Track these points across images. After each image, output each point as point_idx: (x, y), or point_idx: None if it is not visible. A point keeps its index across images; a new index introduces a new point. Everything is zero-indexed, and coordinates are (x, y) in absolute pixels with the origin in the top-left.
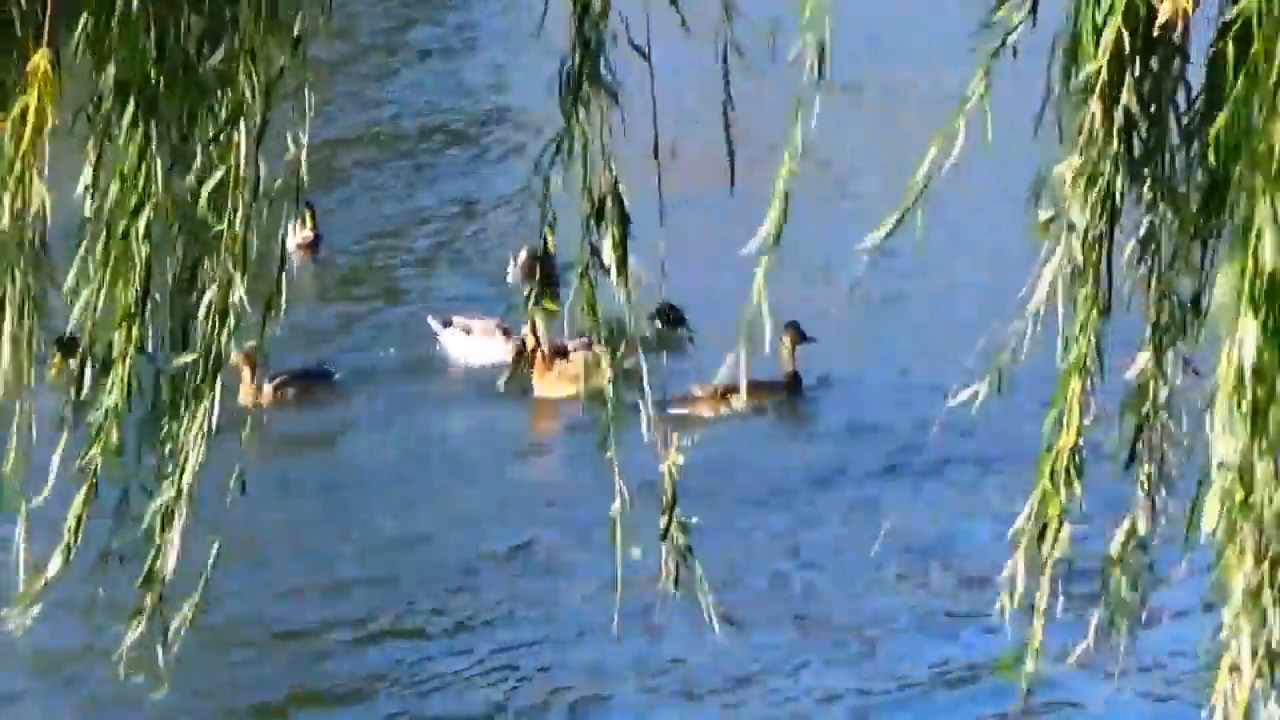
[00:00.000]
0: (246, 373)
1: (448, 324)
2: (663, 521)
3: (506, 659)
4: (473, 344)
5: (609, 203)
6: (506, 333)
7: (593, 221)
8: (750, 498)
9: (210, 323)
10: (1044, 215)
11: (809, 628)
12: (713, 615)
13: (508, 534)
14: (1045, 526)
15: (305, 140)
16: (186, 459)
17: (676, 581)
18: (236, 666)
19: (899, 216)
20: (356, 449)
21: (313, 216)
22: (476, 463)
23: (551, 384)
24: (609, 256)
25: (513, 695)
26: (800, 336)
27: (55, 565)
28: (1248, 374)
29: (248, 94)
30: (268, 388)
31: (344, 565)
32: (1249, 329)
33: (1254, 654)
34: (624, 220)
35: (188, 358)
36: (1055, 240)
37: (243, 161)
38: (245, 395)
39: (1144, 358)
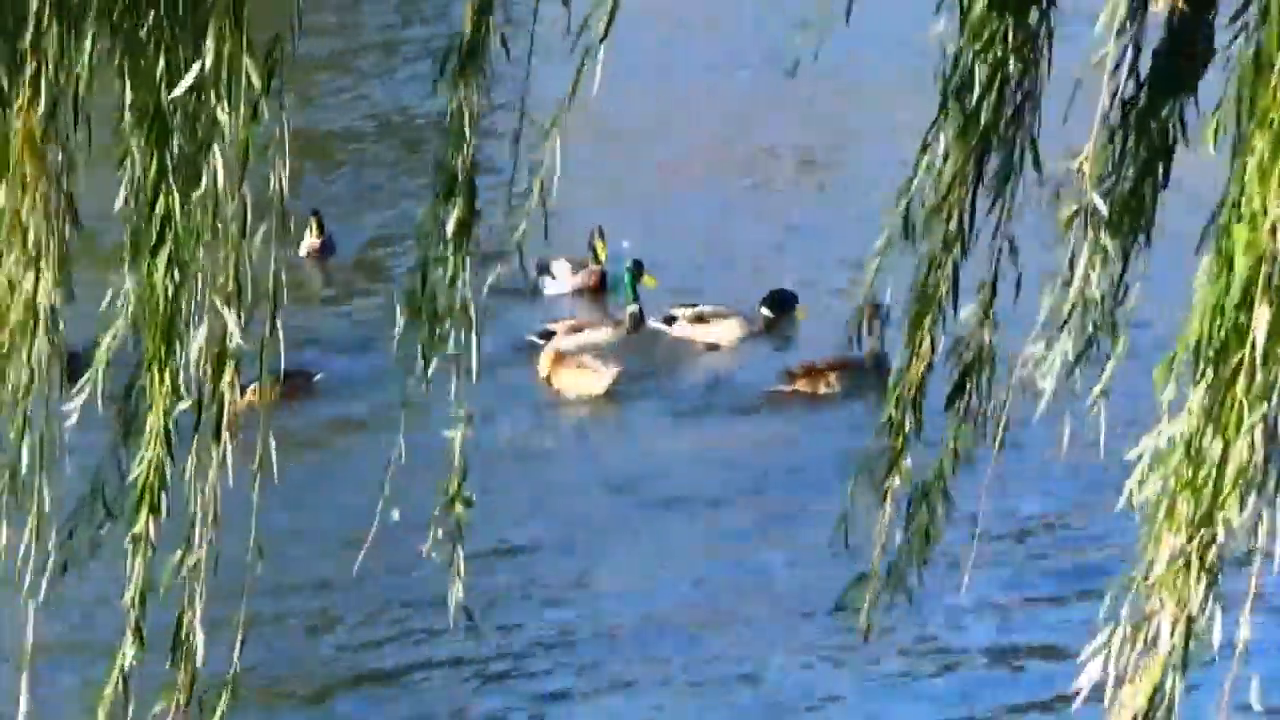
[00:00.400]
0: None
1: (546, 337)
2: (449, 490)
3: (481, 664)
4: (585, 336)
5: (460, 180)
6: (617, 323)
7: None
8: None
9: (206, 368)
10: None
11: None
12: (454, 606)
13: (485, 536)
14: (890, 451)
15: (286, 172)
16: (204, 520)
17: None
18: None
19: (886, 238)
20: (334, 450)
21: (319, 223)
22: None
23: (567, 382)
24: (450, 233)
25: (488, 697)
26: (882, 319)
27: (131, 649)
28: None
29: (223, 121)
30: (247, 391)
31: (317, 566)
32: (1262, 317)
33: (1173, 625)
34: (470, 199)
35: (184, 404)
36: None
37: (222, 194)
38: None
39: (972, 309)
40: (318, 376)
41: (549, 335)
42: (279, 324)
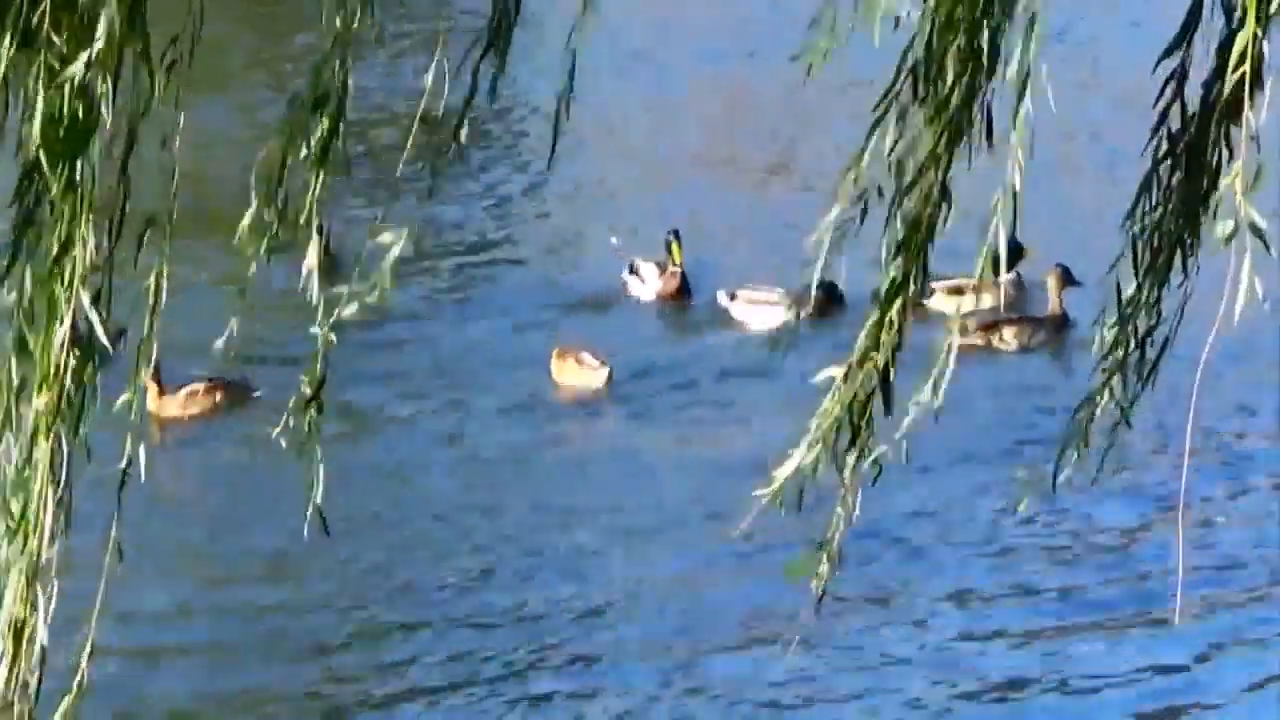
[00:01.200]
0: (152, 386)
1: (733, 296)
2: (308, 389)
3: (448, 680)
4: (759, 311)
5: (331, 98)
6: (801, 300)
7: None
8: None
9: (65, 359)
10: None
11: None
12: (310, 518)
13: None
14: (855, 430)
15: (176, 169)
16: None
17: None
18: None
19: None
20: (283, 461)
21: (325, 240)
22: (428, 469)
23: (566, 377)
24: (312, 147)
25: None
26: (1068, 280)
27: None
28: None
29: (105, 113)
30: (181, 395)
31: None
32: None
33: None
34: (336, 116)
35: (40, 402)
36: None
37: (94, 183)
38: (152, 403)
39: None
40: (258, 393)
41: (733, 296)
42: (155, 333)
